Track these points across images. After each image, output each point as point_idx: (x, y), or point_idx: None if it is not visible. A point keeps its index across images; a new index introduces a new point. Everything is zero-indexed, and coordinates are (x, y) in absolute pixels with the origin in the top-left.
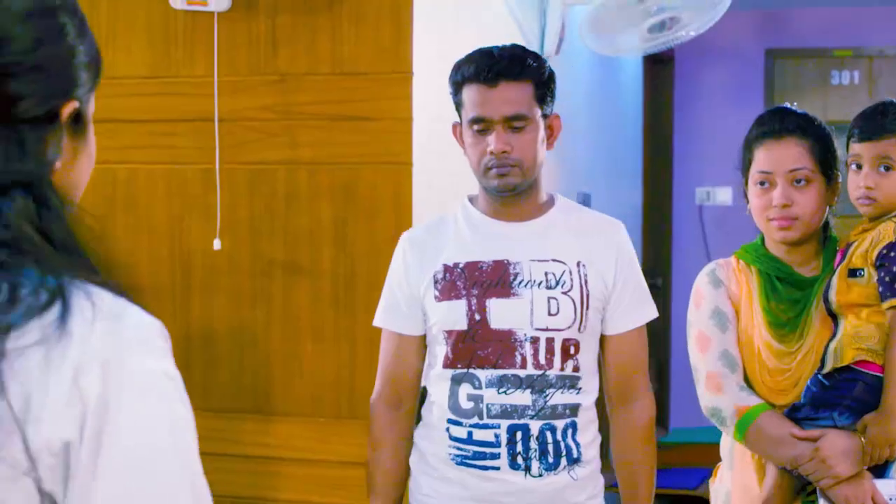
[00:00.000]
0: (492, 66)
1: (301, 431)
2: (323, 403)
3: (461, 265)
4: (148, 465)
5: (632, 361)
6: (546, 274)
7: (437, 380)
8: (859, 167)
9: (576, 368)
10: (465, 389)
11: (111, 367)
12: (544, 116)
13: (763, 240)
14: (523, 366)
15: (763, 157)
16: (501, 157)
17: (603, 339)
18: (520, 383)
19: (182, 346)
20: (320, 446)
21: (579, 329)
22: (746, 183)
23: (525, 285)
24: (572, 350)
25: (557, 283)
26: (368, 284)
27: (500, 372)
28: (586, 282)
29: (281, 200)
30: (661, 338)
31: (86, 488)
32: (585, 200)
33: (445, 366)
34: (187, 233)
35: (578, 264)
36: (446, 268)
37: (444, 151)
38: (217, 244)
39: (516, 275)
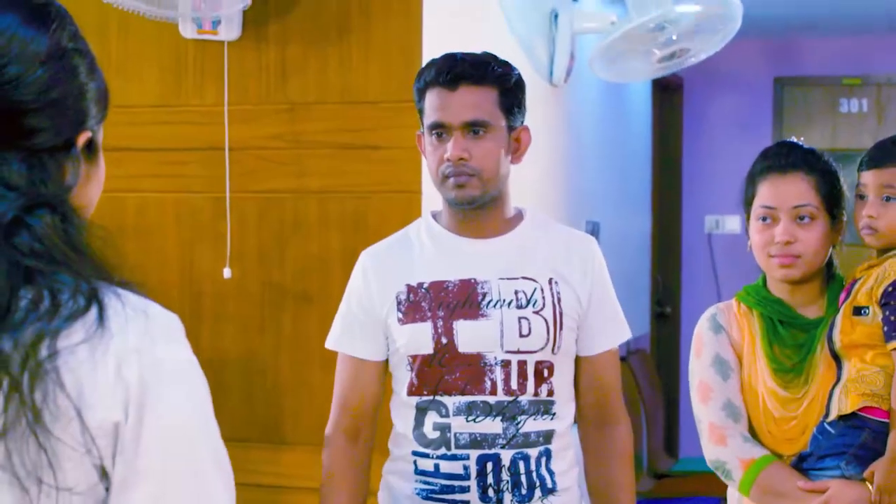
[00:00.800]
0: (452, 69)
1: (311, 460)
2: None
3: (426, 285)
4: (180, 437)
5: (610, 383)
6: (516, 293)
7: (401, 408)
8: (862, 197)
9: (550, 392)
10: (431, 418)
11: (145, 357)
12: (511, 128)
13: (765, 280)
14: (493, 391)
15: (766, 192)
16: (458, 165)
17: (577, 361)
18: (489, 410)
19: None
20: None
21: (553, 350)
22: (749, 218)
23: (494, 305)
24: (546, 373)
25: (529, 301)
26: None
27: (469, 398)
28: (559, 300)
29: (290, 229)
30: (670, 365)
31: (131, 460)
32: (594, 229)
33: (410, 393)
34: (197, 261)
35: (550, 282)
36: (410, 288)
37: None
38: (227, 273)
39: (484, 294)
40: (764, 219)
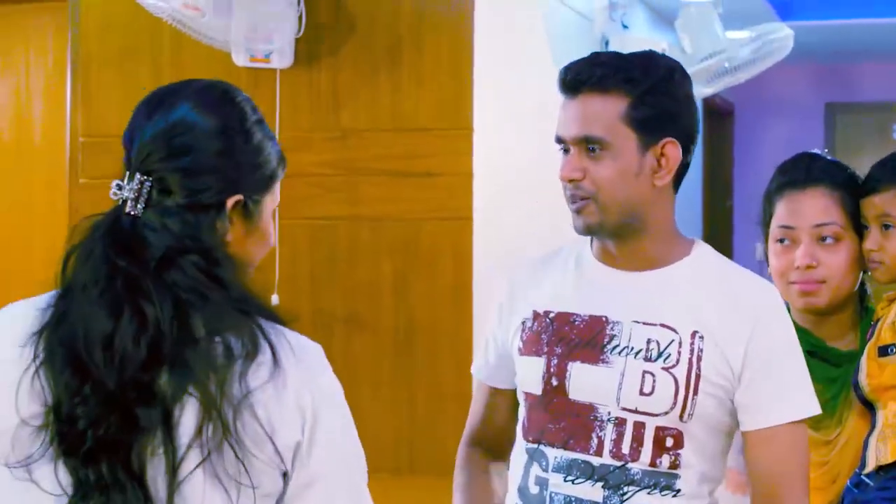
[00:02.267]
0: (575, 71)
1: None
2: (383, 458)
3: (552, 314)
4: (341, 445)
5: (775, 468)
6: (648, 341)
7: (517, 447)
8: (865, 228)
9: (674, 465)
10: (534, 470)
11: (313, 387)
12: (646, 144)
13: (790, 310)
14: (598, 452)
15: (784, 210)
16: (571, 186)
17: (744, 438)
18: (591, 473)
19: None
20: (380, 501)
21: (682, 417)
22: (767, 240)
23: (619, 352)
24: (670, 442)
25: (660, 354)
26: (428, 338)
27: (570, 455)
28: (699, 358)
29: (342, 255)
30: None
31: (306, 467)
32: None
33: (523, 435)
34: (248, 287)
35: (694, 335)
36: (536, 315)
37: (504, 206)
38: (275, 299)
39: (612, 337)
40: (782, 240)
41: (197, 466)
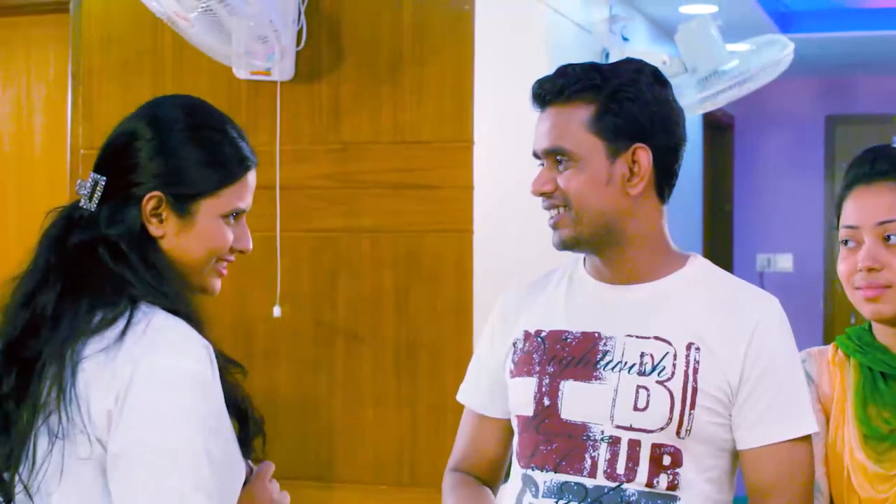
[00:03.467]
0: (541, 85)
1: (363, 499)
2: (385, 471)
3: (543, 333)
4: (147, 424)
5: (774, 488)
6: (642, 355)
7: (512, 477)
8: (846, 243)
9: (672, 486)
10: (526, 498)
11: (141, 363)
12: (615, 151)
13: (871, 322)
14: (592, 473)
15: (850, 209)
16: (544, 200)
17: (739, 456)
18: (584, 496)
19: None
20: None
21: (679, 433)
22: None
23: (613, 368)
24: (667, 461)
25: (654, 368)
26: (430, 352)
27: (562, 478)
28: (696, 371)
29: (343, 268)
30: None
31: (115, 438)
32: None
33: (517, 460)
34: (249, 300)
35: (689, 347)
36: (527, 335)
37: (505, 219)
38: (277, 311)
39: (605, 353)
40: (846, 242)
41: (42, 422)
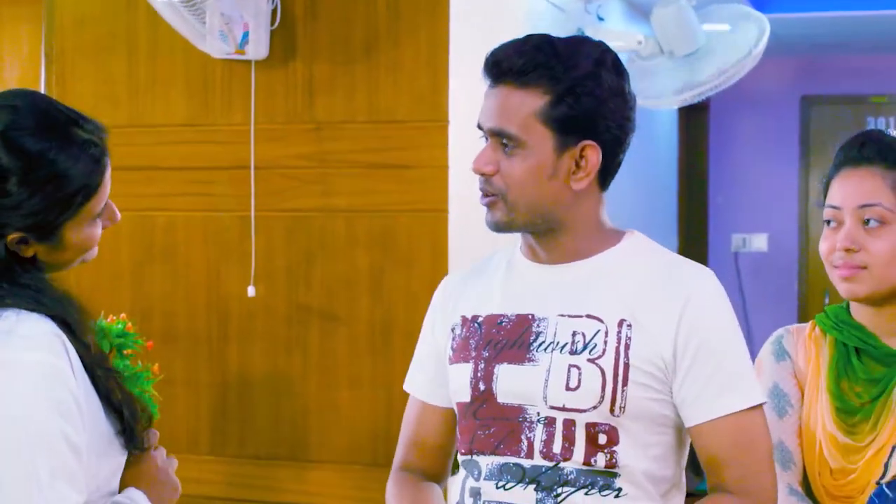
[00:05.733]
0: (497, 58)
1: (338, 479)
2: (360, 451)
3: (480, 318)
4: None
5: (727, 461)
6: (574, 334)
7: (459, 465)
8: (828, 223)
9: (611, 464)
10: (469, 482)
11: None
12: (563, 145)
13: (849, 302)
14: (529, 454)
15: (835, 190)
16: (482, 180)
17: (689, 433)
18: (522, 476)
19: (218, 392)
20: (357, 493)
21: (612, 411)
22: None
23: (546, 349)
24: (603, 439)
25: (585, 346)
26: (405, 332)
27: (501, 460)
28: (627, 347)
29: (317, 248)
30: None
31: None
32: None
33: (459, 448)
34: (224, 280)
35: (621, 323)
36: (464, 321)
37: (480, 199)
38: (251, 291)
39: (538, 334)
40: (828, 222)
41: None
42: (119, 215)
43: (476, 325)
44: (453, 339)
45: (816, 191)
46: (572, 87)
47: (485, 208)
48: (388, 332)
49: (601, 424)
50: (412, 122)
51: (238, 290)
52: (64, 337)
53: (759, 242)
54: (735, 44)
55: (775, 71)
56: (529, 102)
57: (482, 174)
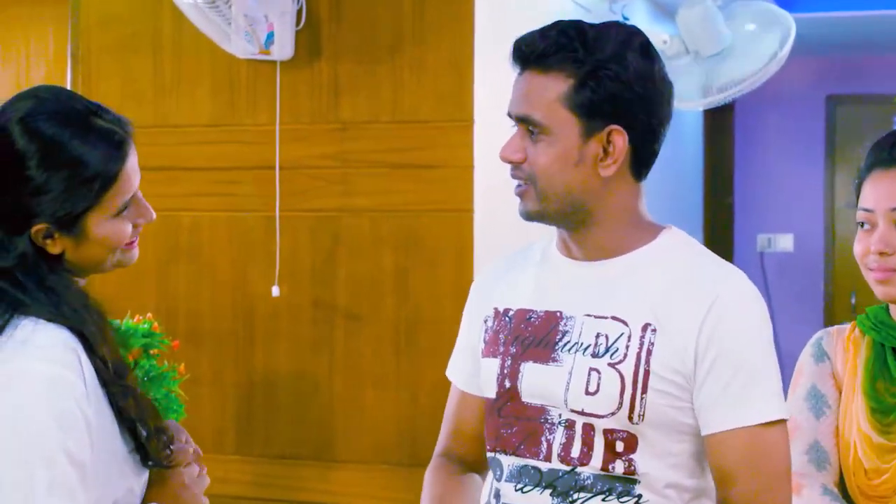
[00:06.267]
0: (522, 45)
1: (363, 478)
2: (385, 450)
3: (511, 312)
4: (3, 427)
5: (736, 477)
6: (597, 336)
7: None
8: (862, 225)
9: (630, 471)
10: (493, 482)
11: (4, 367)
12: (589, 130)
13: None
14: (547, 457)
15: (867, 192)
16: (512, 168)
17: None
18: (539, 479)
19: (244, 392)
20: (382, 493)
21: (631, 418)
22: None
23: (570, 349)
24: (620, 446)
25: (607, 350)
26: (430, 332)
27: (521, 461)
28: (649, 353)
29: (342, 248)
30: None
31: None
32: None
33: (486, 443)
34: (249, 280)
35: (646, 328)
36: (496, 313)
37: (505, 199)
38: (275, 291)
39: (564, 333)
40: (862, 224)
41: None
42: (153, 214)
43: (507, 318)
44: (485, 331)
45: (842, 191)
46: (595, 70)
47: (517, 198)
48: (413, 332)
49: (619, 431)
50: (437, 122)
51: (263, 289)
52: (79, 350)
53: (785, 242)
54: (761, 44)
55: (800, 70)
56: (553, 87)
57: (510, 162)
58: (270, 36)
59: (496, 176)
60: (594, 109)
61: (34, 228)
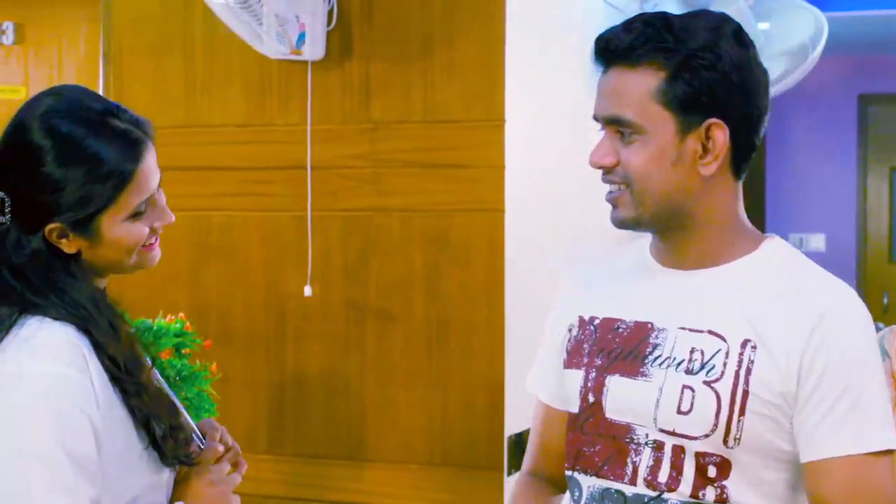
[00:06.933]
0: (606, 41)
1: (394, 478)
2: (415, 450)
3: (597, 321)
4: (3, 426)
5: None
6: (692, 351)
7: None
8: None
9: (721, 499)
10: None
11: (5, 367)
12: (686, 126)
13: None
14: (632, 480)
15: None
16: (604, 174)
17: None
18: None
19: (275, 392)
20: (413, 493)
21: (726, 441)
22: None
23: (661, 363)
24: (713, 472)
25: (703, 367)
26: (461, 332)
27: (603, 483)
28: (749, 372)
29: (373, 247)
30: None
31: None
32: None
33: (565, 460)
34: (281, 280)
35: (745, 344)
36: (581, 321)
37: (536, 198)
38: (308, 291)
39: (655, 346)
40: None
41: None
42: (172, 217)
43: (592, 327)
44: (569, 340)
45: (874, 190)
46: (688, 60)
47: (609, 206)
48: (445, 332)
49: (712, 455)
50: (468, 122)
51: (294, 289)
52: (85, 347)
53: (817, 242)
54: (793, 44)
55: (832, 69)
56: (643, 82)
57: (601, 167)
58: (302, 36)
59: (527, 175)
60: (690, 103)
61: (48, 227)
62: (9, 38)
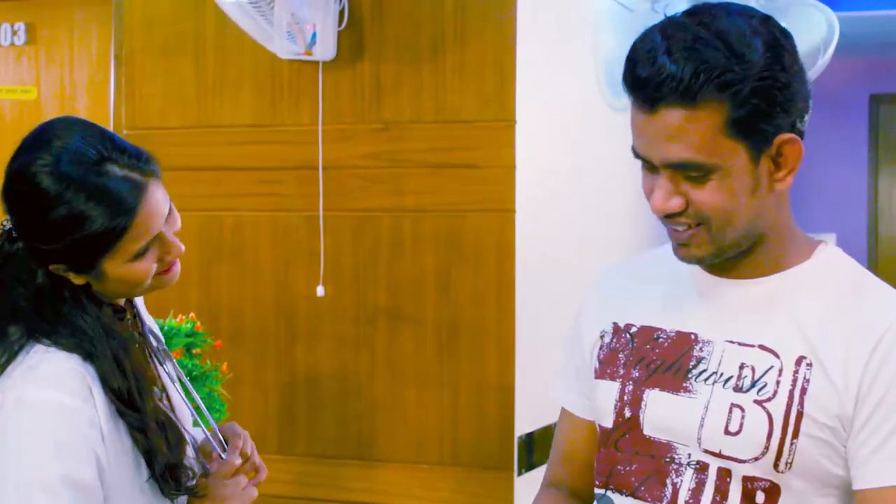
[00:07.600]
0: (648, 79)
1: (404, 478)
2: (426, 450)
3: (634, 329)
4: (11, 450)
5: None
6: (741, 367)
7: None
8: None
9: None
10: None
11: (10, 394)
12: (758, 149)
13: None
14: (672, 503)
15: None
16: (671, 219)
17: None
18: None
19: (286, 392)
20: (423, 493)
21: (777, 466)
22: None
23: (706, 379)
24: (761, 497)
25: (753, 384)
26: (472, 332)
27: None
28: (803, 391)
29: (385, 247)
30: None
31: None
32: None
33: (595, 476)
34: (292, 280)
35: (800, 361)
36: (616, 328)
37: (547, 199)
38: (320, 291)
39: (700, 360)
40: None
41: None
42: (182, 247)
43: (628, 335)
44: (601, 347)
45: (886, 191)
46: (756, 87)
47: (678, 244)
48: (456, 332)
49: (761, 480)
50: (479, 122)
51: (306, 289)
52: (91, 377)
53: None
54: (805, 44)
55: (844, 70)
56: (708, 119)
57: (669, 213)
58: (313, 36)
59: (538, 176)
60: (760, 126)
61: (52, 267)
62: (20, 39)
